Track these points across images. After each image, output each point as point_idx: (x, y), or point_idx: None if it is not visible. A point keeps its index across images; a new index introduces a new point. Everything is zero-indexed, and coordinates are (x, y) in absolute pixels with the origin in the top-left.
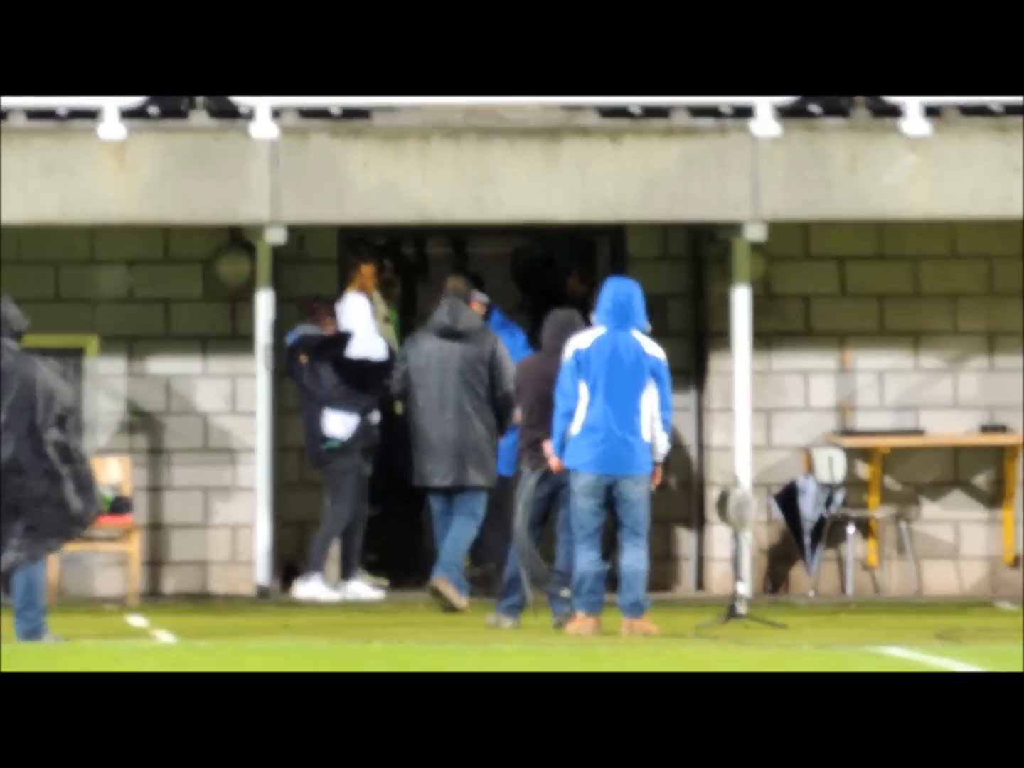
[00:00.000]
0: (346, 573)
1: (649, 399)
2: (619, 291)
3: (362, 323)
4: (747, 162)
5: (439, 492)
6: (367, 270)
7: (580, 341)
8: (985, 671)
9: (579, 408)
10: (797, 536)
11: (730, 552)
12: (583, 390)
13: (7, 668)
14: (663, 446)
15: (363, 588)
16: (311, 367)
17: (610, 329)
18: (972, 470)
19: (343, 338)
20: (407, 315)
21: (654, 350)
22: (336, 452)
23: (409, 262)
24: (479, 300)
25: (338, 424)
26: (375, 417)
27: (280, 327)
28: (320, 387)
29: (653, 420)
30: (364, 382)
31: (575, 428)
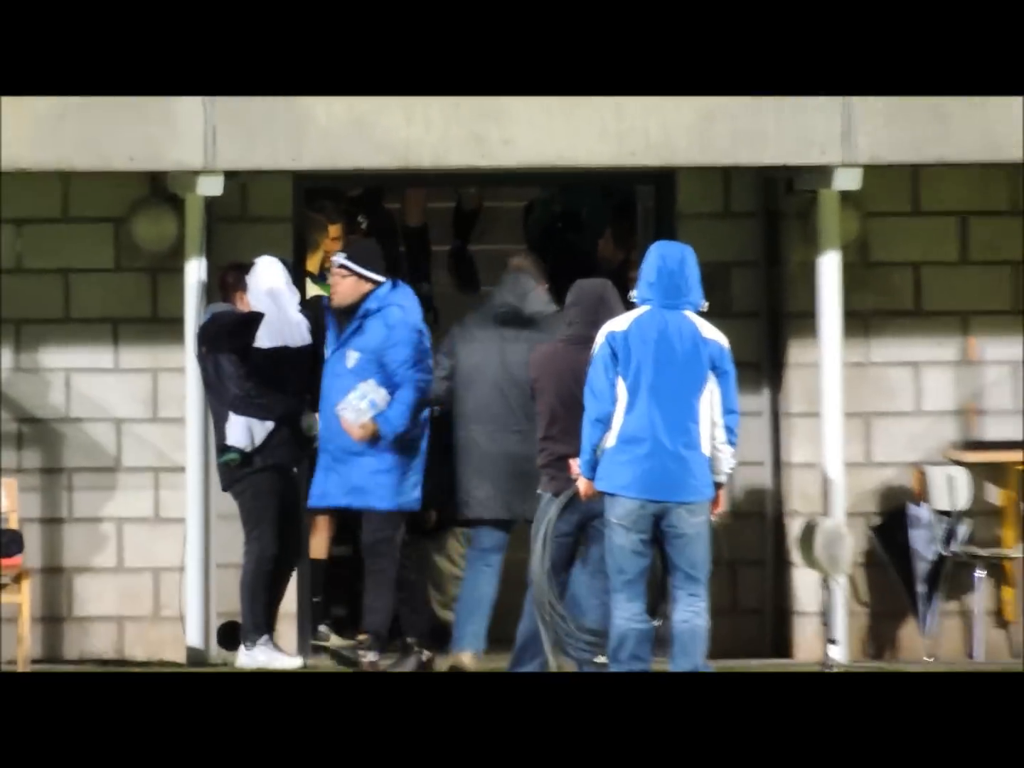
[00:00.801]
0: (246, 631)
1: (709, 400)
2: (667, 258)
3: (275, 300)
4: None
5: (492, 526)
6: (335, 231)
7: (616, 323)
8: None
9: (616, 413)
10: (907, 583)
11: (819, 604)
12: (621, 388)
13: None
14: (728, 462)
15: (272, 655)
16: (213, 359)
17: (656, 307)
18: None
19: (250, 320)
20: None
21: (714, 335)
22: (240, 468)
23: (393, 222)
24: (374, 276)
25: (239, 431)
26: (311, 424)
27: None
28: (223, 385)
29: (714, 428)
30: (280, 377)
31: (611, 439)
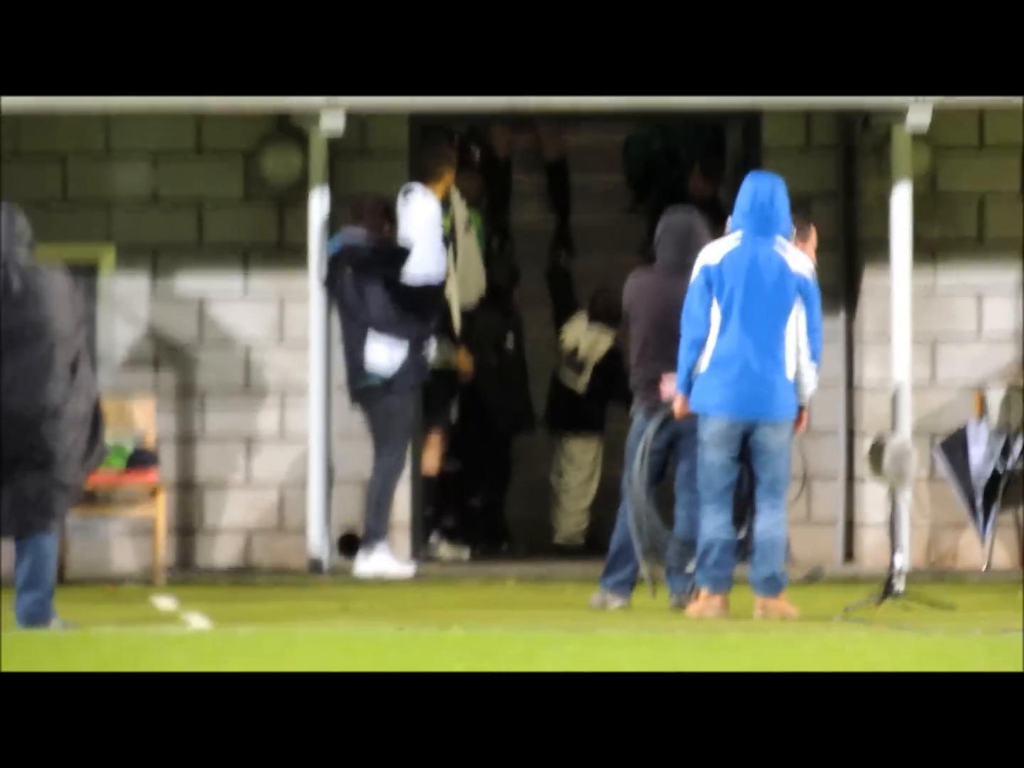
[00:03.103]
0: (367, 539)
1: (795, 326)
2: (760, 189)
3: (429, 232)
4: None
5: None
6: (456, 164)
7: (710, 253)
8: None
9: (709, 337)
10: (968, 496)
11: (885, 516)
12: (715, 314)
13: (6, 664)
14: (811, 384)
15: (388, 562)
16: (356, 283)
17: (748, 236)
18: None
19: (401, 253)
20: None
21: (801, 264)
22: (377, 389)
23: (495, 156)
24: None
25: (382, 354)
26: (430, 349)
27: (337, 233)
28: (365, 308)
29: (799, 352)
30: (422, 306)
31: (704, 362)
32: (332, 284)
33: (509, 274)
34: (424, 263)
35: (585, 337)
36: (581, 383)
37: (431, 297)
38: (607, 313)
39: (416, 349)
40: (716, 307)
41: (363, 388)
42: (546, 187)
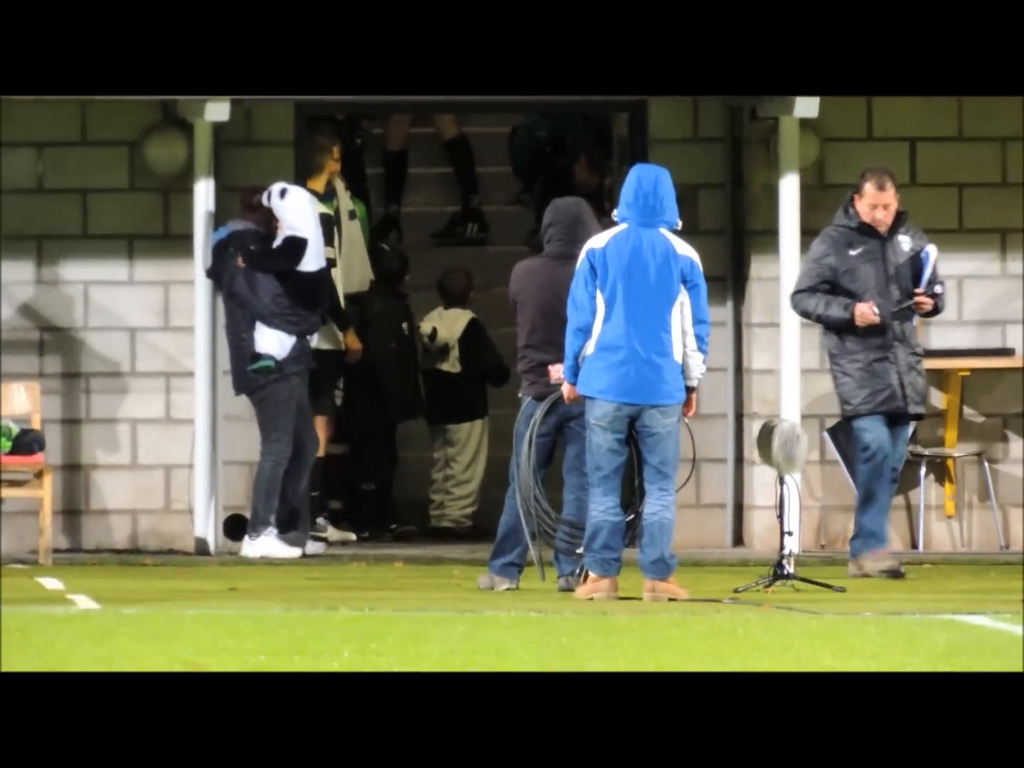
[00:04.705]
0: (254, 524)
1: (680, 311)
2: (644, 179)
3: (310, 225)
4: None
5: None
6: (337, 154)
7: (596, 241)
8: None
9: (595, 323)
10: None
11: (775, 499)
12: (600, 301)
13: None
14: (698, 368)
15: (275, 546)
16: (247, 274)
17: (633, 225)
18: None
19: (298, 245)
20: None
21: (686, 250)
22: (268, 374)
23: (386, 145)
24: None
25: (272, 341)
26: (313, 338)
27: (223, 223)
28: (256, 299)
29: (685, 336)
30: (312, 297)
31: (590, 347)
32: (218, 274)
33: (399, 261)
34: (316, 255)
35: (440, 320)
36: (452, 365)
37: (321, 287)
38: (458, 294)
39: (304, 338)
40: (600, 294)
41: (254, 373)
42: (449, 165)
